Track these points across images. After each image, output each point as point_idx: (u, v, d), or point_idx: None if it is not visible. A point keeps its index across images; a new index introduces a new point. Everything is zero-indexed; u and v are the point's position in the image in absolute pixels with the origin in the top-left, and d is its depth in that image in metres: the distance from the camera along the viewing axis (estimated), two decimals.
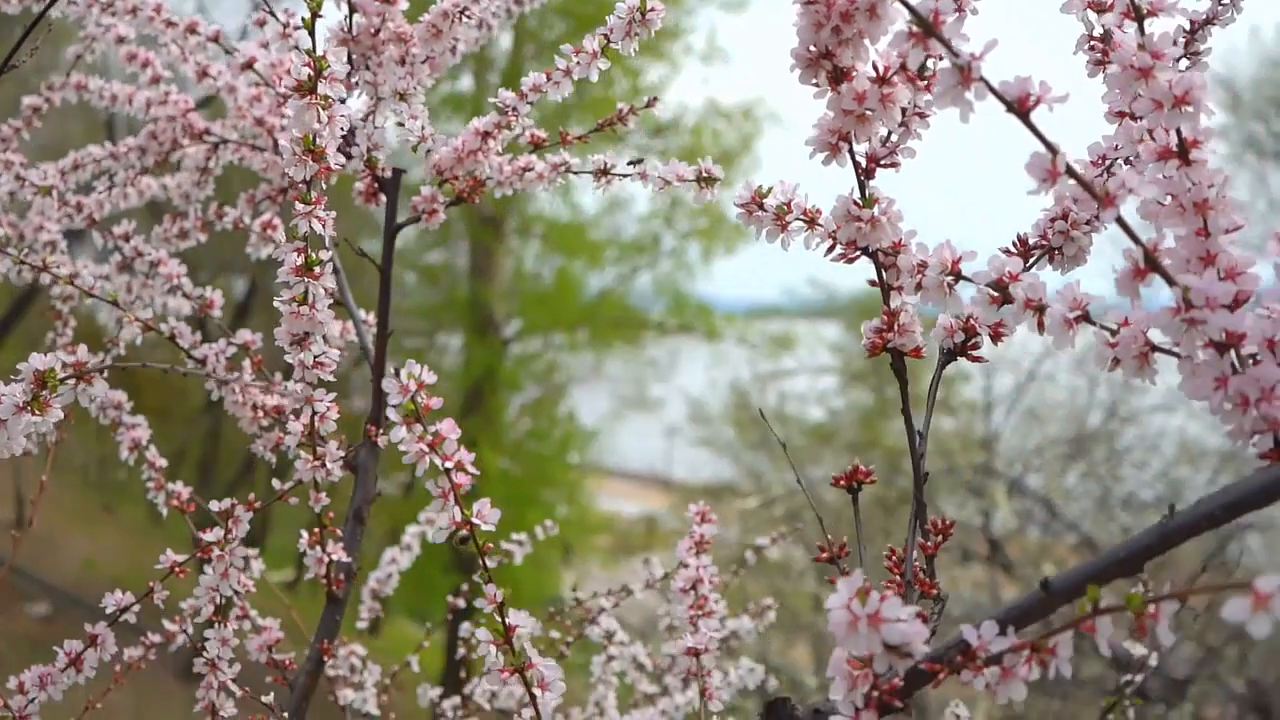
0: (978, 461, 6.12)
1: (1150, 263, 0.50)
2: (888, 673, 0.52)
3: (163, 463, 1.08)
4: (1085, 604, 0.46)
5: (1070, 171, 0.49)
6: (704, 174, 0.82)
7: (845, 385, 10.06)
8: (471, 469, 0.60)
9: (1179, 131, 0.52)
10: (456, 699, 1.30)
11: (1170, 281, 0.49)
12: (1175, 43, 0.68)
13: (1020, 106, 0.49)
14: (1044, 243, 0.66)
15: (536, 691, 0.62)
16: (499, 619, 0.63)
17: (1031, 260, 0.66)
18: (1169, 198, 0.52)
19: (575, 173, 0.94)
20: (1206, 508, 0.47)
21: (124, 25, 1.19)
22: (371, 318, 1.08)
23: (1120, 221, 0.50)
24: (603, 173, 0.92)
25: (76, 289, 0.96)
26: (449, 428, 0.60)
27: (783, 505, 7.48)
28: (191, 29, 1.08)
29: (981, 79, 0.48)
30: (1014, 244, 0.67)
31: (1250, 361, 0.50)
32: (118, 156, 1.18)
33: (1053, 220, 0.66)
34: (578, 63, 0.86)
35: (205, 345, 1.01)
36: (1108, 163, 0.67)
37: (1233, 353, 0.51)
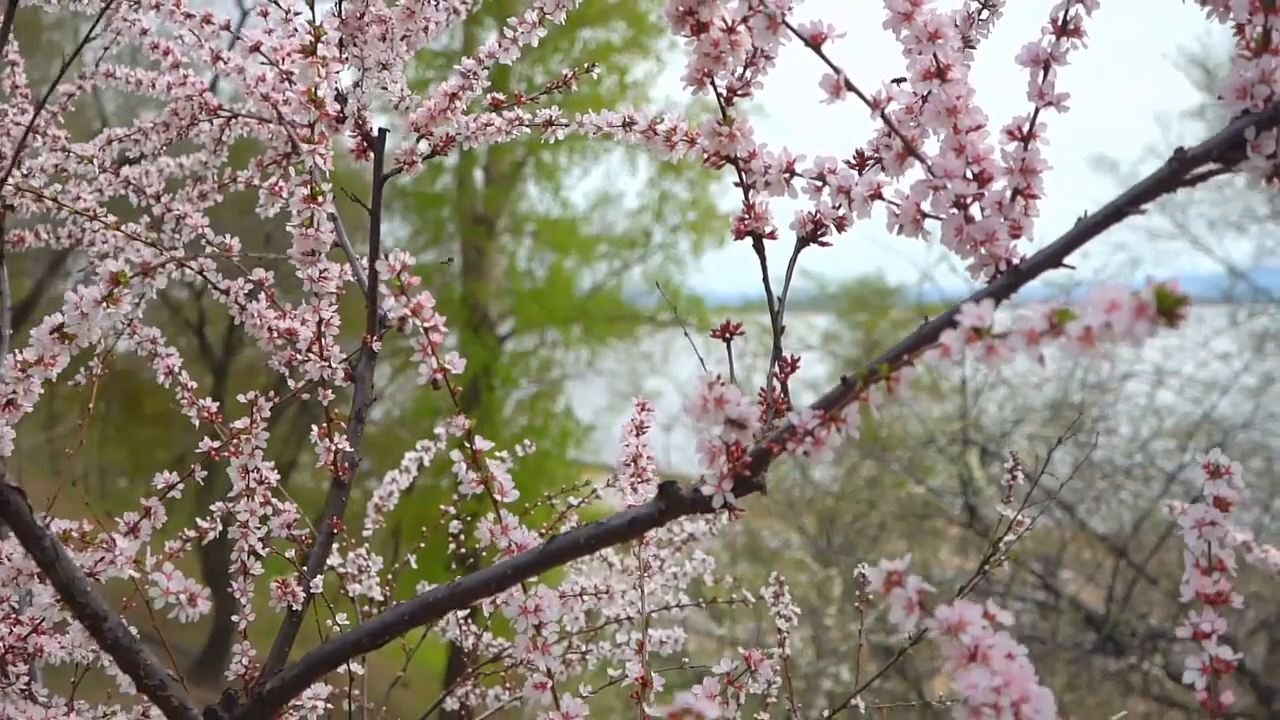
0: (953, 429, 6.34)
1: (908, 149, 0.71)
2: (742, 454, 0.73)
3: (193, 385, 1.28)
4: (859, 377, 0.66)
5: (849, 85, 0.70)
6: (627, 119, 1.02)
7: (837, 373, 10.26)
8: (443, 329, 0.81)
9: (936, 57, 0.72)
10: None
11: (921, 160, 0.70)
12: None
13: (814, 41, 0.70)
14: (875, 154, 0.87)
15: (497, 496, 0.83)
16: (468, 446, 0.84)
17: (867, 168, 0.87)
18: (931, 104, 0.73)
19: (528, 126, 1.14)
20: (943, 317, 0.68)
21: (146, 19, 1.40)
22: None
23: (885, 120, 0.71)
24: (549, 124, 1.13)
25: (121, 233, 1.16)
26: (427, 299, 0.81)
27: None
28: (206, 20, 1.29)
29: (784, 23, 0.69)
30: (853, 155, 0.87)
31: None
32: (145, 131, 1.39)
33: (882, 136, 0.87)
34: (521, 32, 1.07)
35: (227, 280, 1.22)
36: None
37: (977, 210, 0.72)
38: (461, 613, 1.57)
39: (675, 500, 0.76)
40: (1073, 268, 0.67)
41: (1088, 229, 0.66)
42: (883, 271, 10.94)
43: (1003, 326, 0.59)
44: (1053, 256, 0.67)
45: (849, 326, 10.81)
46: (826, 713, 1.58)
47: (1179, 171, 0.64)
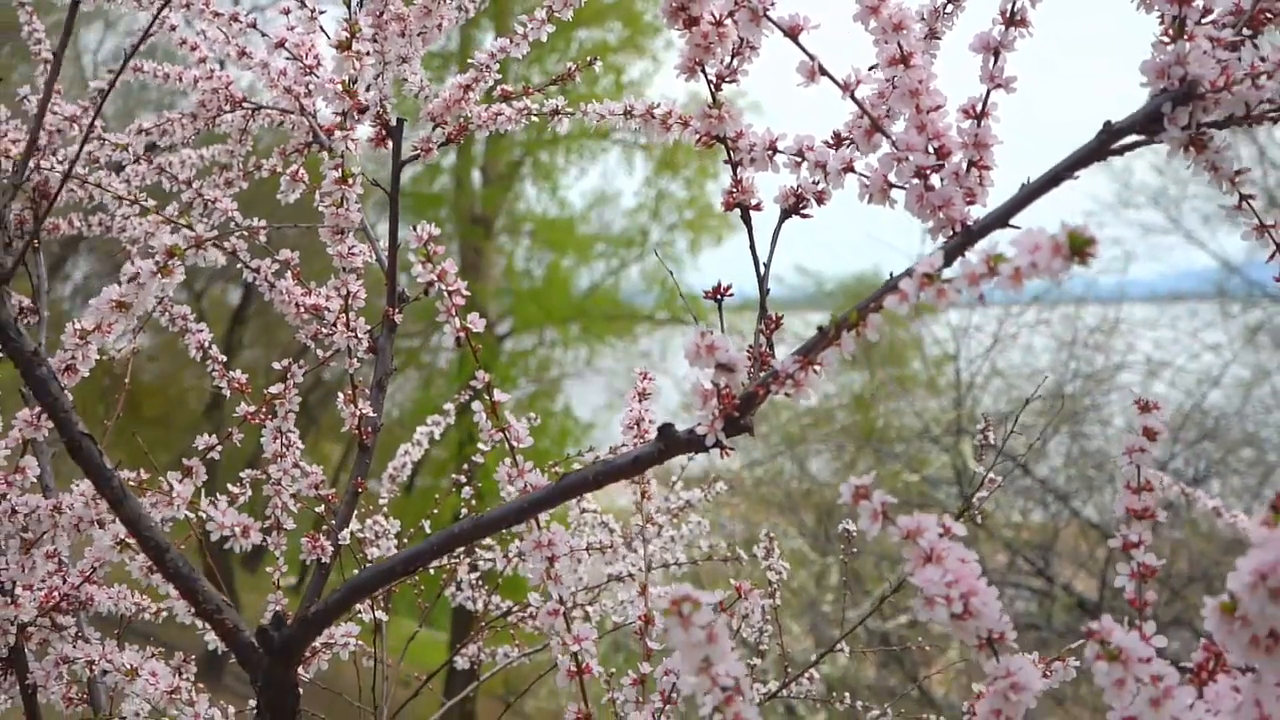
0: (948, 419, 6.45)
1: (875, 126, 0.80)
2: (731, 397, 0.82)
3: (223, 358, 1.38)
4: (830, 325, 0.76)
5: (822, 70, 0.79)
6: (627, 108, 1.12)
7: (836, 369, 10.36)
8: (465, 292, 0.91)
9: (900, 45, 0.82)
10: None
11: (887, 136, 0.80)
12: None
13: (792, 32, 0.80)
14: (849, 135, 0.96)
15: (515, 442, 0.93)
16: (488, 398, 0.93)
17: (843, 146, 0.97)
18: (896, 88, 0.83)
19: (535, 115, 1.24)
20: (904, 272, 0.78)
21: (175, 16, 1.49)
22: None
23: (855, 100, 0.80)
24: (556, 113, 1.23)
25: (160, 218, 1.26)
26: (450, 265, 0.91)
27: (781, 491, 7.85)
28: (234, 18, 1.38)
29: (766, 16, 0.79)
30: (832, 135, 0.97)
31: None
32: (173, 122, 1.48)
33: (855, 117, 0.96)
34: (531, 28, 1.17)
35: (254, 260, 1.31)
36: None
37: (935, 179, 0.82)
38: (472, 575, 1.67)
39: (673, 440, 0.85)
40: (1018, 228, 0.76)
41: (1030, 193, 0.76)
42: (879, 269, 11.04)
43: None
44: (1000, 218, 0.77)
45: None
46: (824, 698, 1.68)
47: (1106, 142, 0.74)
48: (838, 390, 10.18)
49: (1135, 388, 7.94)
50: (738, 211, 0.98)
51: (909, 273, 0.72)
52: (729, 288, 0.94)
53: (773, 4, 0.82)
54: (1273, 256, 0.79)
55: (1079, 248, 0.57)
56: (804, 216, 0.97)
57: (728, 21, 0.85)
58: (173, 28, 1.49)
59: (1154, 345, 8.19)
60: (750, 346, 0.94)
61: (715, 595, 0.65)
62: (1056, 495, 6.71)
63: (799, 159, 0.88)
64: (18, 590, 1.12)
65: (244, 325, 10.77)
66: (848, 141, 0.96)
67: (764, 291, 0.93)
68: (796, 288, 10.84)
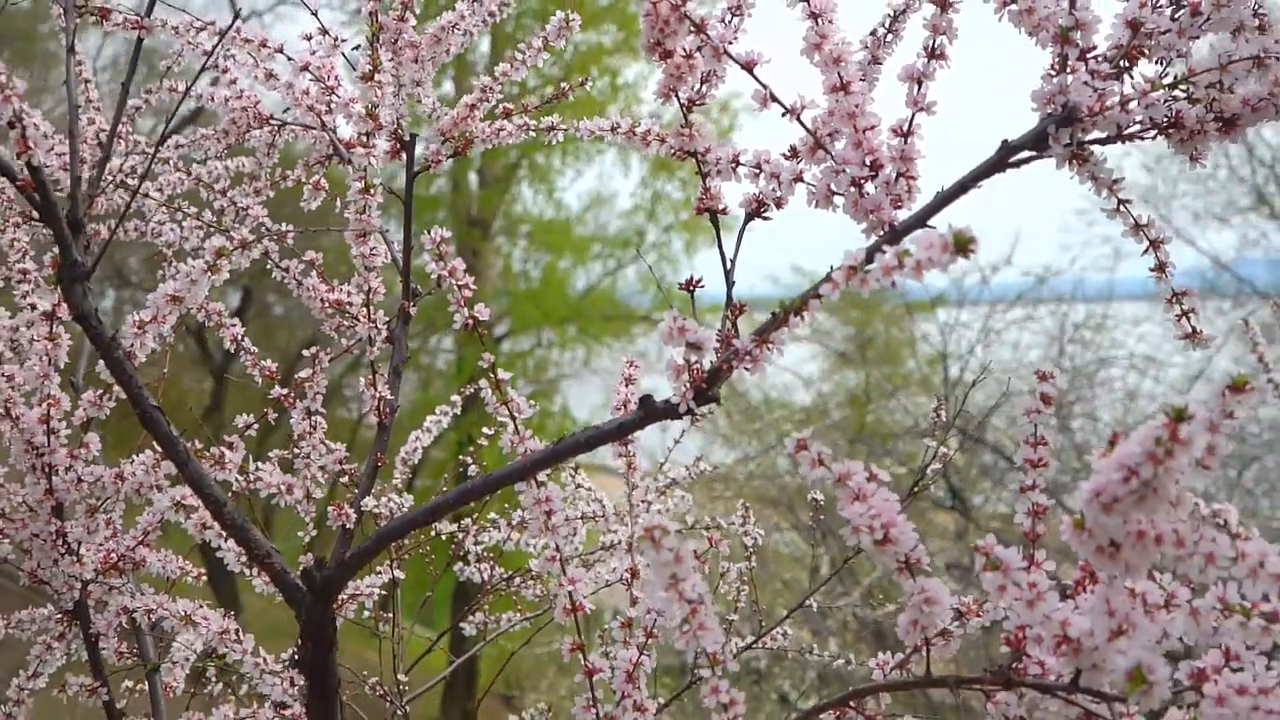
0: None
1: (817, 144, 0.96)
2: (700, 372, 0.98)
3: (254, 349, 1.53)
4: (790, 310, 0.92)
5: (773, 98, 0.95)
6: (615, 125, 1.28)
7: (832, 368, 10.56)
8: (472, 286, 1.07)
9: (839, 75, 0.98)
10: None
11: (827, 152, 0.96)
12: (883, 24, 1.15)
13: (748, 65, 0.96)
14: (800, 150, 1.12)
15: (516, 414, 1.09)
16: (493, 375, 1.09)
17: (799, 161, 1.12)
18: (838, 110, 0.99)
19: (534, 130, 1.40)
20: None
21: (208, 42, 1.65)
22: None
23: (801, 123, 0.96)
24: (551, 129, 1.38)
25: (201, 223, 1.41)
26: (459, 262, 1.06)
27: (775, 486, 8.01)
28: (263, 44, 1.54)
29: (726, 52, 0.95)
30: (788, 149, 1.13)
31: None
32: (208, 137, 1.64)
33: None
34: (530, 54, 1.33)
35: (284, 260, 1.47)
36: None
37: (869, 187, 0.97)
38: (478, 546, 1.82)
39: (651, 408, 1.01)
40: (934, 228, 0.92)
41: (942, 200, 0.92)
42: None
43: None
44: (919, 220, 0.92)
45: (841, 322, 11.11)
46: (818, 687, 1.83)
47: (1004, 157, 0.90)
48: (833, 389, 10.33)
49: (1121, 383, 8.10)
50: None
51: (841, 266, 0.88)
52: (700, 280, 1.09)
53: (733, 41, 0.98)
54: (1146, 251, 0.95)
55: (962, 245, 0.73)
56: (765, 219, 1.12)
57: (697, 55, 1.01)
58: (206, 53, 1.64)
59: (1138, 339, 8.37)
60: (720, 331, 1.10)
61: (691, 543, 0.81)
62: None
63: (758, 170, 1.04)
64: (82, 550, 1.27)
65: (244, 326, 10.96)
66: (799, 155, 1.12)
67: (730, 284, 1.09)
68: (793, 286, 11.01)
